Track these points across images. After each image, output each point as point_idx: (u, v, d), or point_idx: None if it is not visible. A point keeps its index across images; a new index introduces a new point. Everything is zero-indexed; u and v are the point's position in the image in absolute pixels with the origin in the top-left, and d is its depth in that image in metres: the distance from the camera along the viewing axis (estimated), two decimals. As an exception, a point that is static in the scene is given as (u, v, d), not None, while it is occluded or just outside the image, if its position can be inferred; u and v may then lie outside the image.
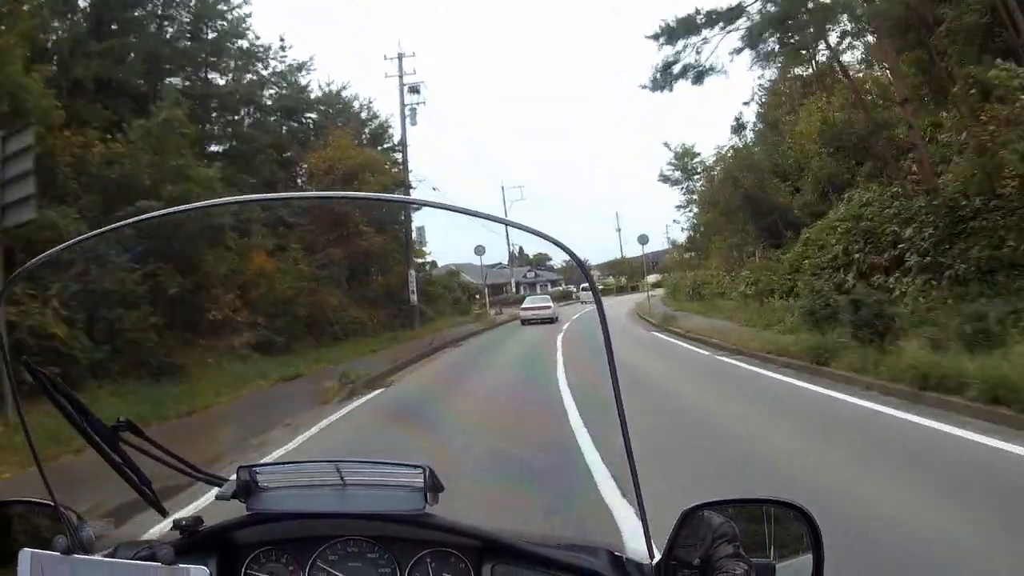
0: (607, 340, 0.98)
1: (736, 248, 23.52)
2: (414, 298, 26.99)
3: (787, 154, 23.47)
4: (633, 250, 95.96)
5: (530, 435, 6.68)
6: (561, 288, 67.09)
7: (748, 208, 22.62)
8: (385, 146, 28.07)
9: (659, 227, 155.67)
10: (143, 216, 1.02)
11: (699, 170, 30.73)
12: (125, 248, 10.74)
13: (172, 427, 8.09)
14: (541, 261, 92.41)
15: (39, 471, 1.10)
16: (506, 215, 48.90)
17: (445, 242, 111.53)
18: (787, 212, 21.93)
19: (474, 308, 38.08)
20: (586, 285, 57.39)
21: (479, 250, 29.38)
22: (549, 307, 29.25)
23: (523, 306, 30.42)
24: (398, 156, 27.74)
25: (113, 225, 1.03)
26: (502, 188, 55.26)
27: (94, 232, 1.11)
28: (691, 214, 33.45)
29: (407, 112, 28.50)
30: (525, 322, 27.62)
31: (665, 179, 32.53)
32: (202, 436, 7.62)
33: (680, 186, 32.37)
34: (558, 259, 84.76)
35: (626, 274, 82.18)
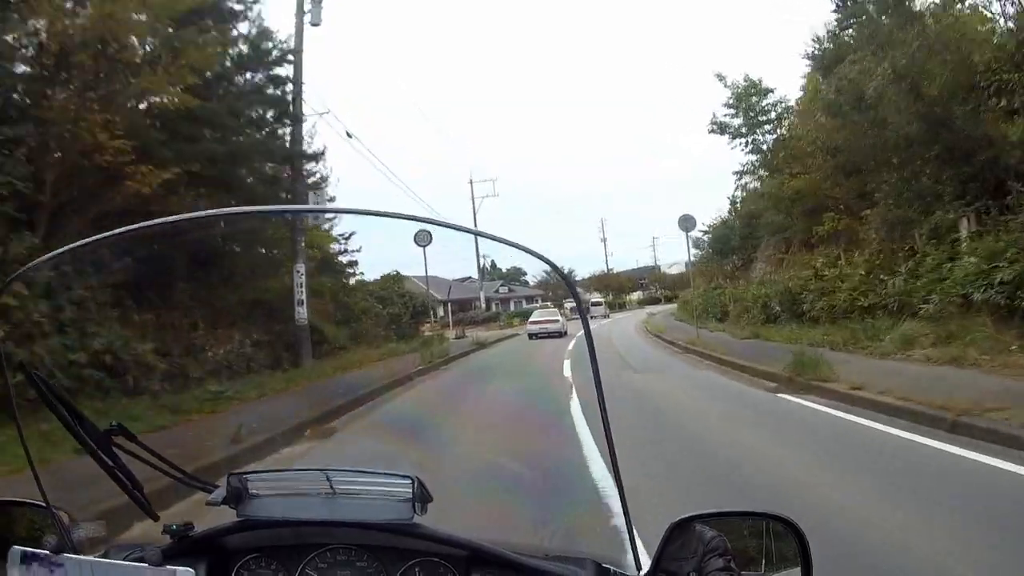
0: (591, 350, 0.97)
1: (901, 224, 12.23)
2: (301, 313, 15.29)
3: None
4: (621, 262, 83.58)
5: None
6: (538, 304, 57.06)
7: (931, 143, 11.55)
8: (270, 57, 16.30)
9: (644, 238, 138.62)
10: (142, 224, 0.97)
11: (772, 116, 19.90)
12: None
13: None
14: (515, 276, 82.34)
15: (32, 472, 1.11)
16: (475, 215, 37.10)
17: (390, 246, 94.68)
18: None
19: (425, 329, 26.41)
20: (572, 301, 47.24)
21: (422, 238, 17.85)
22: (558, 320, 27.28)
23: (531, 319, 29.51)
24: (285, 71, 16.09)
25: (109, 232, 0.97)
26: (471, 183, 44.23)
27: (89, 239, 1.03)
28: (752, 184, 22.29)
29: (306, 5, 17.06)
30: (533, 336, 26.05)
31: (720, 128, 21.18)
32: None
33: (743, 140, 21.14)
34: (534, 271, 73.94)
35: (613, 289, 71.20)
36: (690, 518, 1.02)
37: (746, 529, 1.06)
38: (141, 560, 1.04)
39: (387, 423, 8.96)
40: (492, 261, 77.18)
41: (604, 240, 76.80)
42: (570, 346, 18.20)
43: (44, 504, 1.11)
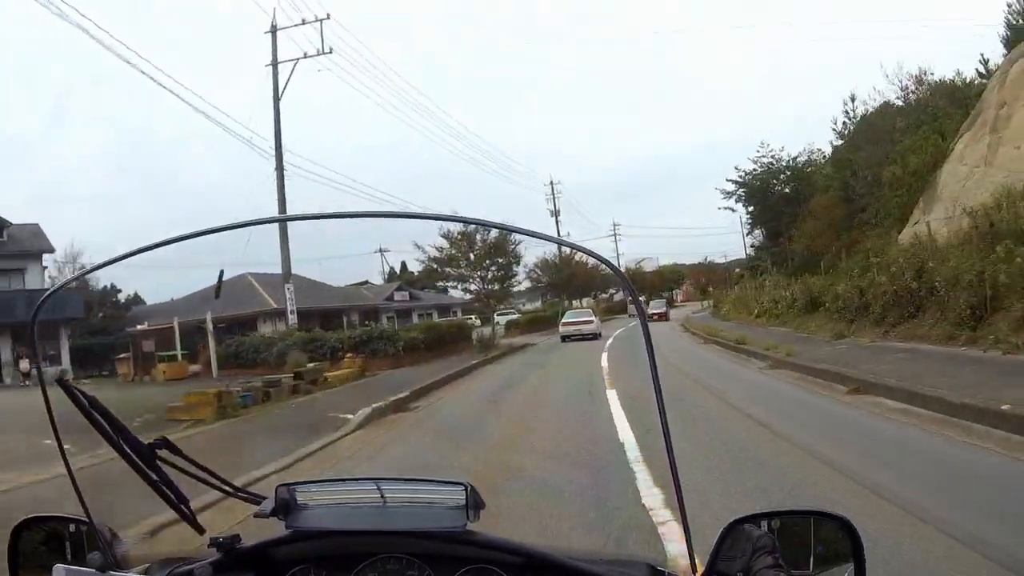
0: (649, 345, 0.94)
1: None
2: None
3: None
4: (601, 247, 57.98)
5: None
6: (458, 317, 42.17)
7: None
8: None
9: (602, 220, 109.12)
10: (187, 234, 0.95)
11: None
12: None
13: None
14: (431, 281, 58.90)
15: (74, 487, 1.09)
16: (277, 104, 24.26)
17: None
18: None
19: None
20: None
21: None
22: (592, 321, 27.94)
23: (563, 321, 29.41)
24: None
25: (156, 242, 0.95)
26: (272, 31, 21.68)
27: (132, 251, 1.01)
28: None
29: None
30: (566, 338, 26.62)
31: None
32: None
33: None
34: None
35: (576, 287, 49.07)
36: (742, 519, 1.02)
37: (796, 527, 1.05)
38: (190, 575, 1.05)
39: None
40: (402, 262, 55.70)
41: (556, 213, 52.45)
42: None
43: (87, 520, 1.10)
